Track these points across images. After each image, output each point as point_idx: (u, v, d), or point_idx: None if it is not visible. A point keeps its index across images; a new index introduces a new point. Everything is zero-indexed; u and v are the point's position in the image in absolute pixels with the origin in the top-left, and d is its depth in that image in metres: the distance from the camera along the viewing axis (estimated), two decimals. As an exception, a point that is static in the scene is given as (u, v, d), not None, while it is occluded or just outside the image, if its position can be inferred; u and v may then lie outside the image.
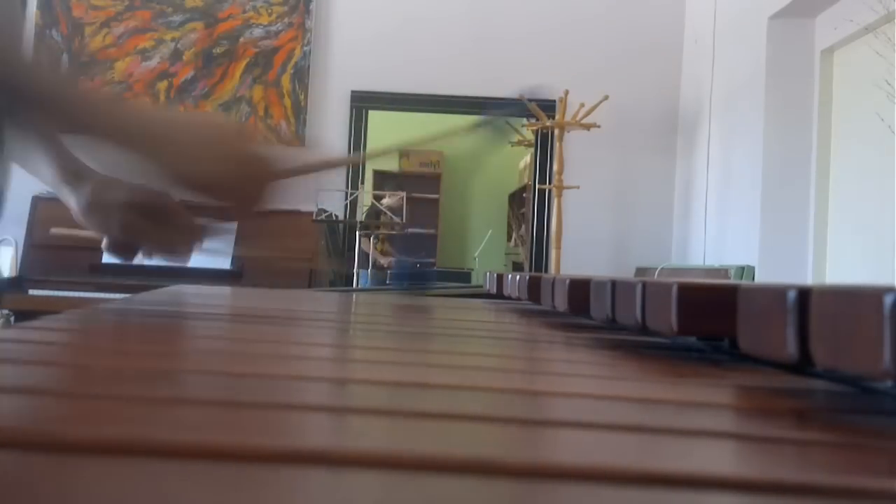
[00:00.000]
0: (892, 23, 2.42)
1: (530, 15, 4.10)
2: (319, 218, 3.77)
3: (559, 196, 3.73)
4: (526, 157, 5.72)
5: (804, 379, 0.42)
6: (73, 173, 0.83)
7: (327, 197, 3.75)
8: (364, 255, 4.05)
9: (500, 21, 4.09)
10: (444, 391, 0.36)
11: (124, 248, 0.83)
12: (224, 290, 1.27)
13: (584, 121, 3.71)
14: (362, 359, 0.51)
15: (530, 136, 4.53)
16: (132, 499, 0.19)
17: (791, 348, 0.34)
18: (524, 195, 5.88)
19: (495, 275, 1.19)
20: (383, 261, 5.81)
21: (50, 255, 3.73)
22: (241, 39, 4.21)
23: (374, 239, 4.18)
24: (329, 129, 4.16)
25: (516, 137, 5.26)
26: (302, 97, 4.18)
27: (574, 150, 3.92)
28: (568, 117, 3.74)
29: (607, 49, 4.08)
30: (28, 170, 0.87)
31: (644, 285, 0.53)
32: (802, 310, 0.34)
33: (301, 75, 4.18)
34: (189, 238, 0.85)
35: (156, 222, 0.81)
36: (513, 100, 3.84)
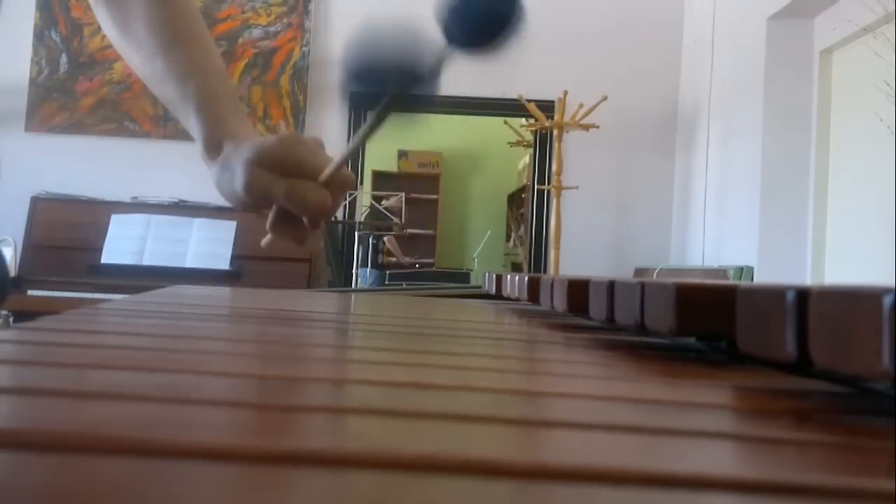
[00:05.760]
0: (890, 23, 2.43)
1: (530, 15, 4.09)
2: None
3: (558, 196, 3.73)
4: (525, 158, 5.73)
5: (803, 379, 0.42)
6: (213, 146, 0.81)
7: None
8: (365, 254, 4.05)
9: (499, 21, 4.09)
10: (443, 391, 0.36)
11: (286, 221, 0.78)
12: (223, 291, 1.27)
13: (583, 121, 3.71)
14: (361, 359, 0.51)
15: (529, 137, 4.53)
16: (133, 499, 0.19)
17: (790, 349, 0.34)
18: (523, 196, 5.89)
19: (494, 275, 1.19)
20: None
21: (49, 255, 3.73)
22: (240, 40, 4.21)
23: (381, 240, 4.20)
24: (328, 130, 4.16)
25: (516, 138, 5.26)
26: (301, 98, 4.18)
27: (573, 151, 3.92)
28: (567, 118, 3.74)
29: (606, 50, 4.08)
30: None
31: (643, 286, 0.53)
32: (801, 310, 0.34)
33: (300, 76, 4.18)
34: (318, 189, 0.77)
35: (287, 175, 0.76)
36: (512, 100, 3.84)
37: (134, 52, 0.89)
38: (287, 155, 0.77)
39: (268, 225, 0.80)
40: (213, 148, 0.81)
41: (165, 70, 0.86)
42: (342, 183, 0.78)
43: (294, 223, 0.79)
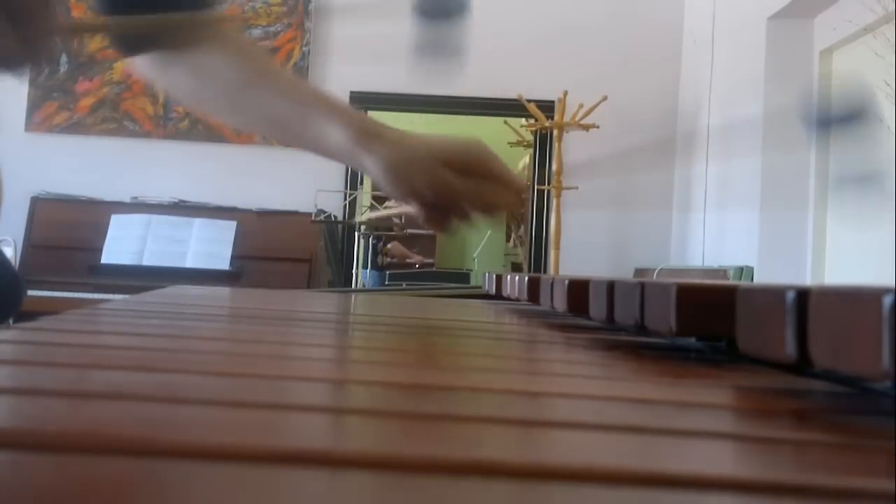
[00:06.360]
0: (890, 23, 2.42)
1: (530, 16, 4.10)
2: (318, 219, 3.77)
3: (558, 197, 3.73)
4: (525, 158, 5.72)
5: (803, 380, 0.42)
6: (366, 133, 0.81)
7: (326, 198, 3.75)
8: (365, 255, 4.05)
9: (500, 21, 4.09)
10: (443, 392, 0.36)
11: (440, 213, 0.81)
12: (223, 291, 1.27)
13: (583, 121, 3.71)
14: (361, 359, 0.51)
15: (529, 137, 4.53)
16: (133, 499, 0.19)
17: (790, 349, 0.34)
18: (523, 196, 5.89)
19: (494, 275, 1.19)
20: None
21: (49, 255, 3.73)
22: (240, 40, 4.20)
23: (383, 242, 4.20)
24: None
25: (515, 138, 5.26)
26: (301, 98, 4.18)
27: (573, 151, 3.92)
28: (567, 118, 3.74)
29: (606, 50, 4.08)
30: (312, 147, 0.85)
31: (643, 286, 0.53)
32: (801, 310, 0.34)
33: (300, 76, 4.18)
34: (510, 192, 0.82)
35: (471, 176, 0.79)
36: (512, 100, 3.84)
37: (222, 93, 0.89)
38: (476, 158, 0.81)
39: (420, 217, 0.83)
40: (366, 137, 0.82)
41: (269, 92, 0.86)
42: (519, 188, 0.84)
43: (444, 214, 0.82)
